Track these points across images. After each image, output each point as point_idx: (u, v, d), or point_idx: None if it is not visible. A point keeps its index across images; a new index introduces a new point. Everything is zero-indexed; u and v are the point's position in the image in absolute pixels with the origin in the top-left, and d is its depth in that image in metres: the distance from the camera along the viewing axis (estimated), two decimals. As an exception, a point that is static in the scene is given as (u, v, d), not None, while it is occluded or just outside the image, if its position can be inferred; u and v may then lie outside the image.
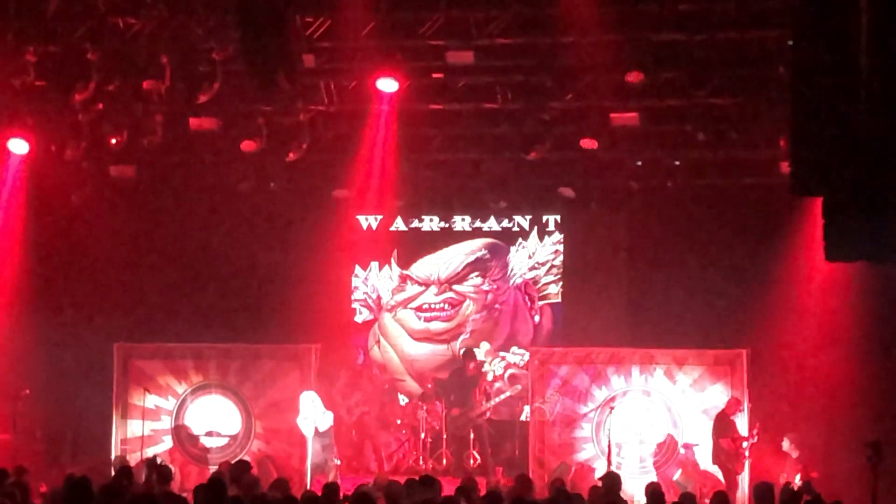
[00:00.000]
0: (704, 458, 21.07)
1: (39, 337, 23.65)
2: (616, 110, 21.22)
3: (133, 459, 21.10)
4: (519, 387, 23.16)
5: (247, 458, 21.27)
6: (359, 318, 24.69)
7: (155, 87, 20.60)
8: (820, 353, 22.22)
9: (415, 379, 24.35)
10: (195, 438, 22.55)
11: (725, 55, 19.95)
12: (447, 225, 24.50)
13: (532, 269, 24.30)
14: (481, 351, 23.97)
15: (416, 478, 15.00)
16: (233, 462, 17.48)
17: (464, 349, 23.83)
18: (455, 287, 24.44)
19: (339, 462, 21.52)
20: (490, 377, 23.81)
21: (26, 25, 20.18)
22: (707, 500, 16.49)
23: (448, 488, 17.23)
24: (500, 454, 22.89)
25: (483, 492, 14.79)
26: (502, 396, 23.26)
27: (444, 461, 22.48)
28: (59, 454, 22.43)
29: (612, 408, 21.23)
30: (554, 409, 21.77)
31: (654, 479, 20.55)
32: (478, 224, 24.43)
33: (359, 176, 23.78)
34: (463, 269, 24.44)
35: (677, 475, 20.83)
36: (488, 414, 23.02)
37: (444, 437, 22.68)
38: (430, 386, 23.67)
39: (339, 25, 20.18)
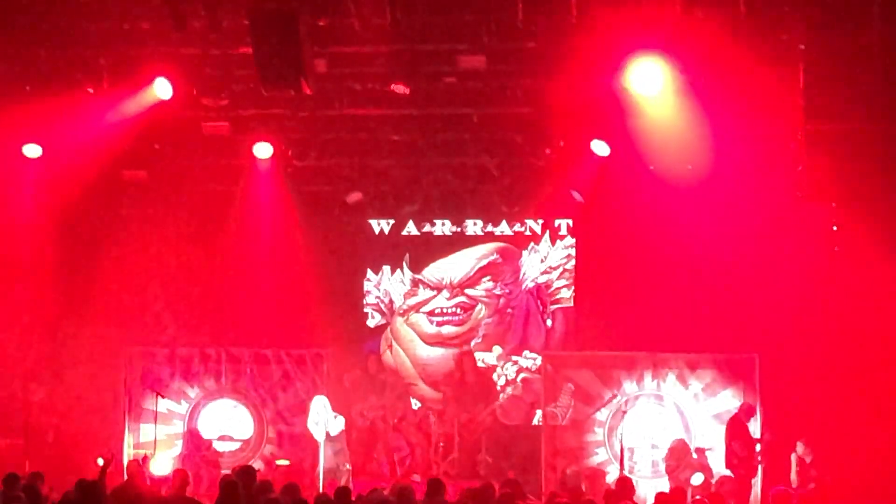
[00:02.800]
0: (717, 463, 21.02)
1: (52, 342, 23.70)
2: (627, 114, 21.21)
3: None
4: (520, 383, 22.78)
5: (259, 462, 21.39)
6: (371, 323, 24.67)
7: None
8: (832, 357, 22.15)
9: (427, 383, 24.32)
10: (208, 443, 22.57)
11: (735, 59, 19.92)
12: (459, 229, 24.47)
13: (544, 273, 24.27)
14: (493, 355, 23.95)
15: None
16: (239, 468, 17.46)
17: (460, 351, 23.83)
18: (467, 291, 24.41)
19: (350, 467, 21.52)
20: (502, 381, 23.80)
21: (37, 30, 20.22)
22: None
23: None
24: (511, 458, 22.86)
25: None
26: (503, 396, 23.16)
27: (456, 466, 22.45)
28: (71, 458, 22.42)
29: (624, 412, 21.22)
30: (566, 414, 21.77)
31: (667, 483, 20.55)
32: (490, 228, 24.40)
33: (371, 180, 23.82)
34: (475, 274, 24.42)
35: (699, 480, 20.66)
36: (498, 412, 23.04)
37: (457, 441, 22.66)
38: (443, 390, 23.63)
39: (350, 30, 20.18)
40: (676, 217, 23.17)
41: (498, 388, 23.77)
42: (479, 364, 23.76)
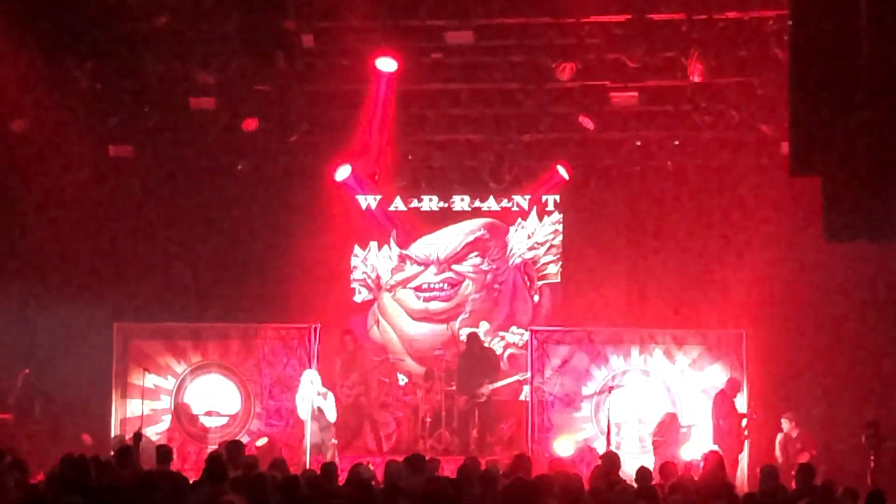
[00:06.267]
0: (704, 438, 21.07)
1: (39, 317, 23.67)
2: (616, 90, 21.21)
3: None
4: (506, 359, 23.03)
5: (245, 437, 21.38)
6: (358, 298, 24.67)
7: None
8: (818, 332, 22.23)
9: (414, 359, 24.33)
10: (194, 418, 22.56)
11: (725, 35, 19.93)
12: (446, 205, 24.46)
13: (531, 248, 24.29)
14: (480, 331, 23.94)
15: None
16: (227, 442, 17.48)
17: (468, 332, 23.71)
18: (454, 267, 24.42)
19: (336, 442, 21.51)
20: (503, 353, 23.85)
21: (25, 5, 20.14)
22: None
23: (448, 468, 17.29)
24: (498, 433, 22.89)
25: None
26: (509, 380, 23.12)
27: (443, 441, 22.47)
28: (59, 434, 22.42)
29: (611, 388, 21.24)
30: (553, 389, 21.79)
31: (653, 458, 20.59)
32: (477, 204, 24.39)
33: (358, 156, 23.77)
34: (462, 249, 24.43)
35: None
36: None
37: (444, 416, 22.68)
38: (435, 370, 23.54)
39: (337, 5, 20.14)
40: (663, 192, 23.24)
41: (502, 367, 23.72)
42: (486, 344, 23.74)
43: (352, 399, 23.03)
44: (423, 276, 24.54)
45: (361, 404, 23.14)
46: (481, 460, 16.87)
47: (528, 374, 22.09)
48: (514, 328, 24.15)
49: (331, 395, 21.53)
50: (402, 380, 24.16)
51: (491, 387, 22.69)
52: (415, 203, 24.53)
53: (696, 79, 20.38)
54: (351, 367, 23.26)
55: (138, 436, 18.03)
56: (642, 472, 14.91)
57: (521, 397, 23.11)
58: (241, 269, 24.23)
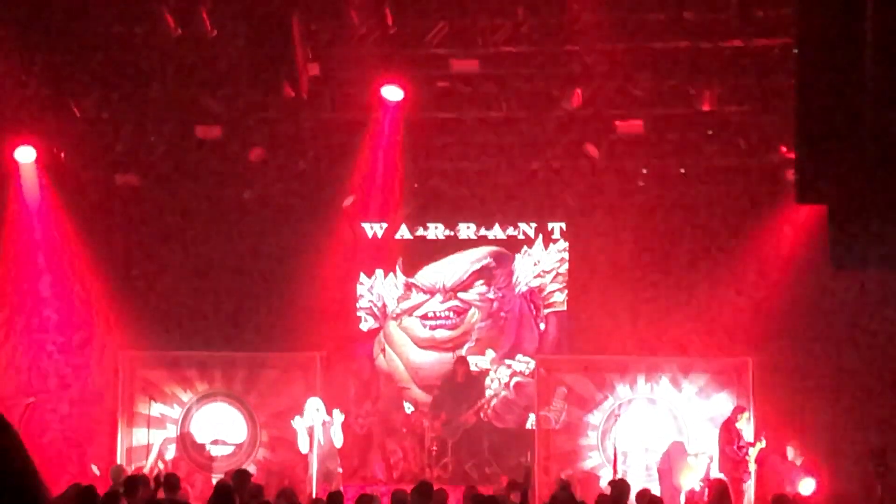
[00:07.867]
0: (711, 466, 21.02)
1: (44, 345, 23.66)
2: (621, 118, 21.24)
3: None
4: (513, 387, 23.08)
5: (252, 466, 21.33)
6: (364, 326, 24.64)
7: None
8: (825, 360, 22.19)
9: (420, 387, 24.29)
10: (201, 447, 22.54)
11: (730, 63, 19.96)
12: (452, 233, 24.45)
13: (537, 276, 24.26)
14: (486, 359, 23.92)
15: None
16: (234, 471, 17.43)
17: (455, 356, 23.76)
18: (460, 295, 24.39)
19: (341, 470, 21.44)
20: (495, 384, 23.78)
21: (32, 34, 20.18)
22: None
23: (455, 497, 17.27)
24: (505, 462, 22.84)
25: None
26: (495, 400, 23.13)
27: (449, 470, 22.44)
28: (65, 463, 22.39)
29: (617, 416, 21.22)
30: (559, 418, 21.76)
31: (658, 487, 20.54)
32: (483, 232, 24.38)
33: (364, 184, 23.79)
34: (468, 277, 24.40)
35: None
36: (482, 415, 23.03)
37: (450, 445, 22.65)
38: (436, 393, 23.59)
39: (344, 33, 20.17)
40: (669, 220, 23.23)
41: (487, 391, 23.72)
42: (473, 368, 23.75)
43: (366, 429, 23.01)
44: (428, 304, 24.51)
45: (374, 433, 23.12)
46: (488, 490, 16.87)
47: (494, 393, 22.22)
48: (520, 356, 24.11)
49: (337, 422, 21.46)
50: (409, 408, 24.12)
51: (470, 411, 22.77)
52: (421, 231, 24.52)
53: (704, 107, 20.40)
54: (365, 395, 23.24)
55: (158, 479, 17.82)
56: (642, 494, 14.89)
57: (528, 426, 23.08)
58: (248, 297, 24.21)
